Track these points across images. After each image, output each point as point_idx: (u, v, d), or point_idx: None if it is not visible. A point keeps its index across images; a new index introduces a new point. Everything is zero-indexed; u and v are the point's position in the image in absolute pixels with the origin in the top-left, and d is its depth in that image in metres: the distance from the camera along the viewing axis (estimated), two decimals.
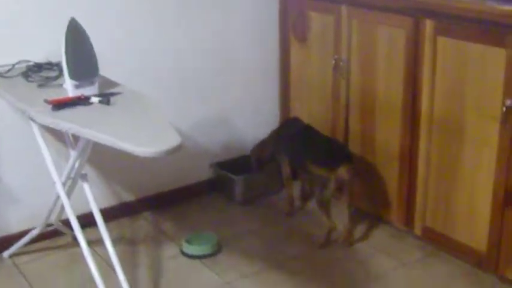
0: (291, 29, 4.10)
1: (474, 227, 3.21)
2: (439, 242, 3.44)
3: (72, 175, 3.07)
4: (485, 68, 2.99)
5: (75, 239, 3.27)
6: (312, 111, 4.07)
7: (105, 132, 2.41)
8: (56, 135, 3.43)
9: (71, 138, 3.19)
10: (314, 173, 3.52)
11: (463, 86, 3.10)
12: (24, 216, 3.54)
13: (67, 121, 2.54)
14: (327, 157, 3.47)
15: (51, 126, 2.61)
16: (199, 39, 3.93)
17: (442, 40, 3.15)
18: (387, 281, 3.25)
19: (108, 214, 3.55)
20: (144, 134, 2.45)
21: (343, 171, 3.38)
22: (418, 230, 3.51)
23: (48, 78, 3.05)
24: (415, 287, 3.21)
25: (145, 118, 2.61)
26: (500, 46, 2.89)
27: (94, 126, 2.49)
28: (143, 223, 3.87)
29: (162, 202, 4.03)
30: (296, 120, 3.96)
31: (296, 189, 4.03)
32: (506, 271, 3.12)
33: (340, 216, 3.55)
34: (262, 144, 4.04)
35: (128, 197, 3.93)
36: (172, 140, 2.32)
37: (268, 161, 4.04)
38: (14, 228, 3.54)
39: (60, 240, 3.64)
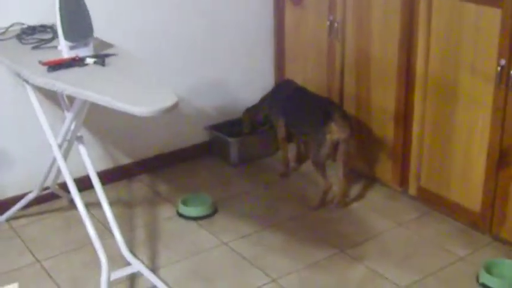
0: None
1: (468, 187, 3.23)
2: (433, 202, 3.46)
3: (68, 137, 3.06)
4: (480, 28, 2.98)
5: (71, 201, 3.28)
6: (307, 73, 4.06)
7: (101, 92, 2.40)
8: (51, 97, 3.42)
9: (66, 100, 3.18)
10: (309, 132, 3.53)
11: (458, 46, 3.10)
12: (21, 179, 3.55)
13: (62, 82, 2.53)
14: (322, 117, 3.48)
15: (46, 87, 2.60)
16: (193, 2, 3.91)
17: (437, 0, 3.14)
18: (382, 241, 3.28)
19: (105, 177, 3.56)
20: (140, 94, 2.44)
21: (338, 130, 3.39)
22: (412, 190, 3.54)
23: (42, 41, 3.04)
24: (409, 246, 3.24)
25: (140, 78, 2.60)
26: (496, 6, 2.89)
27: (89, 86, 2.48)
28: (139, 185, 3.88)
29: (158, 164, 4.04)
30: (289, 82, 3.97)
31: (291, 151, 4.05)
32: (500, 230, 3.15)
33: (336, 178, 3.57)
34: (256, 107, 4.05)
35: (124, 159, 3.94)
36: (168, 99, 2.31)
37: (262, 123, 4.05)
38: (11, 192, 3.55)
39: (57, 203, 3.66)
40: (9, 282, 3.02)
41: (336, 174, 3.57)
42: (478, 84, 3.05)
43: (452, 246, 3.22)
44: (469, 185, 3.22)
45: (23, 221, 3.51)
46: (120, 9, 3.65)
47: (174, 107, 2.29)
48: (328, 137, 3.39)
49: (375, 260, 3.12)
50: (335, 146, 3.44)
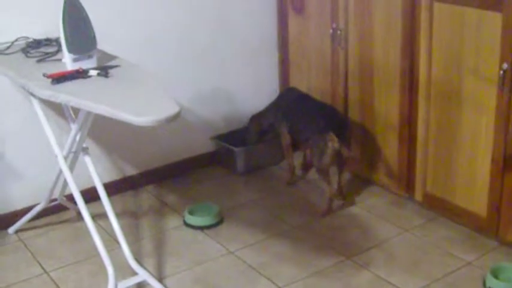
0: (289, 0, 4.10)
1: (474, 192, 3.23)
2: (439, 207, 3.46)
3: (73, 149, 3.08)
4: (482, 32, 2.99)
5: (79, 213, 3.29)
6: (311, 81, 4.08)
7: (103, 103, 2.43)
8: (57, 110, 3.45)
9: (71, 111, 3.21)
10: (312, 139, 3.54)
11: (460, 51, 3.11)
12: (28, 192, 3.57)
13: (66, 94, 2.56)
14: (323, 123, 3.51)
15: (51, 99, 2.62)
16: (197, 12, 3.94)
17: (438, 6, 3.16)
18: (389, 247, 3.28)
19: (112, 188, 3.59)
20: (143, 104, 2.46)
21: (337, 137, 3.41)
22: (418, 196, 3.54)
23: (47, 54, 3.07)
24: (416, 252, 3.24)
25: (143, 89, 2.62)
26: (497, 10, 2.90)
27: (93, 98, 2.50)
28: (146, 196, 3.90)
29: (165, 175, 4.06)
30: (293, 89, 3.99)
31: (297, 158, 4.06)
32: (506, 235, 3.14)
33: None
34: (261, 116, 4.06)
35: (131, 170, 3.96)
36: (171, 108, 2.33)
37: (267, 131, 4.06)
38: (18, 204, 3.58)
39: (65, 215, 3.68)
40: None
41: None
42: (481, 88, 3.06)
43: (459, 251, 3.22)
44: (474, 189, 3.22)
45: (31, 232, 3.53)
46: (123, 20, 3.67)
47: (176, 116, 2.31)
48: (330, 144, 3.41)
49: (381, 267, 3.13)
50: (338, 152, 3.45)
